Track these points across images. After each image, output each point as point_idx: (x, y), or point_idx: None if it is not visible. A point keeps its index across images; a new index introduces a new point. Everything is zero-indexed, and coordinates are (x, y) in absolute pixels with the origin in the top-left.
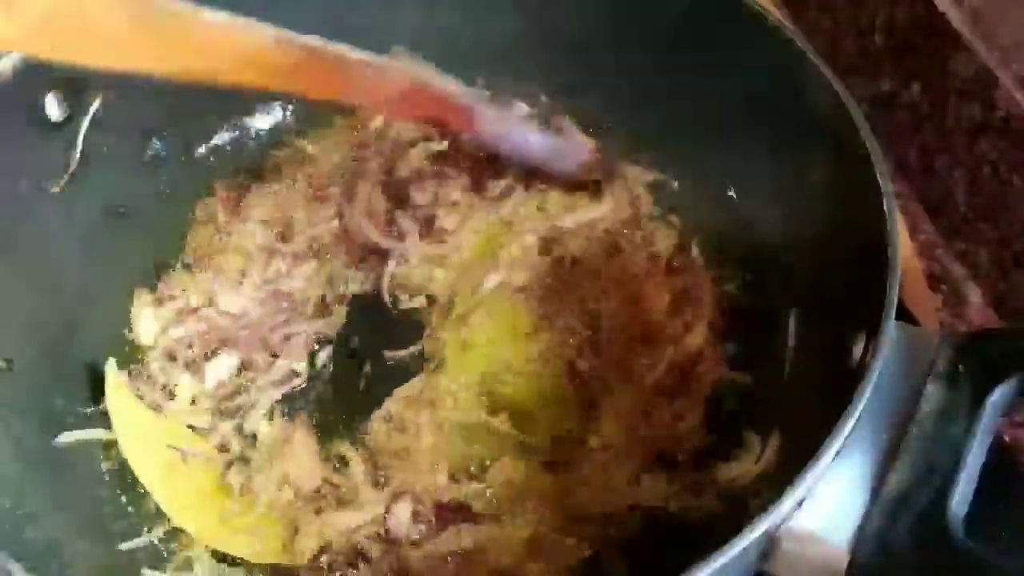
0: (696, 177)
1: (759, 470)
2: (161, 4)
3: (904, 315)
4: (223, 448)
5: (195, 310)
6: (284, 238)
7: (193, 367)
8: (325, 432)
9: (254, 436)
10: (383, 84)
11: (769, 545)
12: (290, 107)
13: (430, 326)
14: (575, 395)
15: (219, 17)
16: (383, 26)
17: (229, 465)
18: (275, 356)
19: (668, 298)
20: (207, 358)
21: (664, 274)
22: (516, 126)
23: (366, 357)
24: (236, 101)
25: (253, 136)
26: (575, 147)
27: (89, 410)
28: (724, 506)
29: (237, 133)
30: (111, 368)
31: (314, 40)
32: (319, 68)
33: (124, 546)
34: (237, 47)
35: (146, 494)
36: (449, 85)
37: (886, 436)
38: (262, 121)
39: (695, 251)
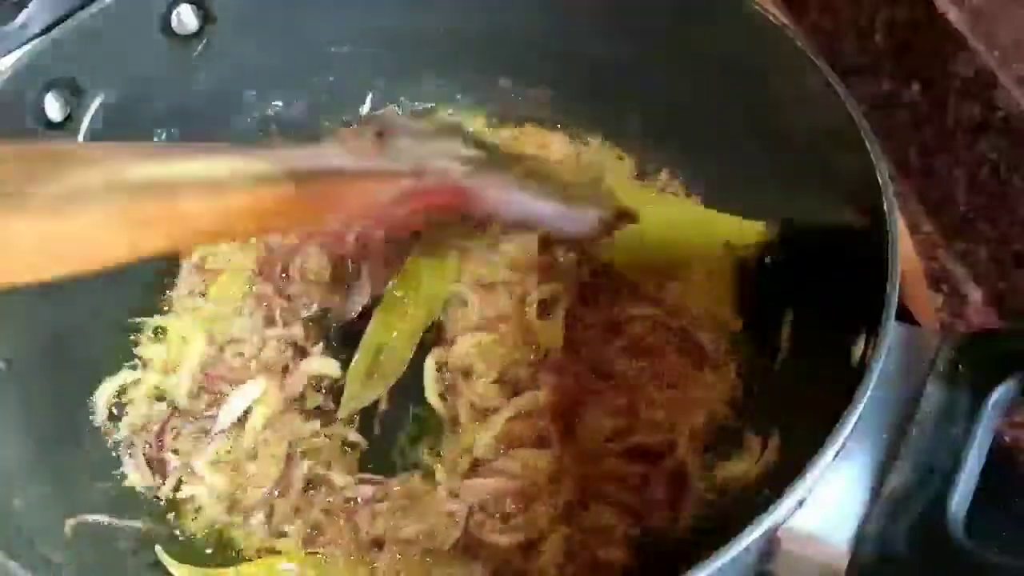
0: (694, 177)
1: (759, 470)
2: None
3: (904, 315)
4: None
5: None
6: None
7: None
8: None
9: None
10: (380, 187)
11: (769, 545)
12: (294, 103)
13: None
14: None
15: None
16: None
17: None
18: None
19: None
20: None
21: None
22: (517, 196)
23: None
24: (236, 100)
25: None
26: (581, 214)
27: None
28: (724, 506)
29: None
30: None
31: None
32: (310, 196)
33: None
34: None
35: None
36: (440, 164)
37: (886, 436)
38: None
39: None
